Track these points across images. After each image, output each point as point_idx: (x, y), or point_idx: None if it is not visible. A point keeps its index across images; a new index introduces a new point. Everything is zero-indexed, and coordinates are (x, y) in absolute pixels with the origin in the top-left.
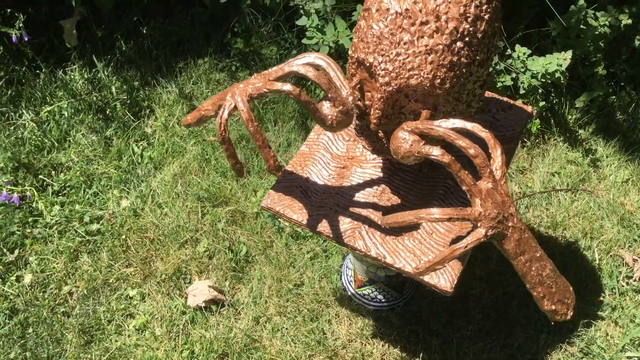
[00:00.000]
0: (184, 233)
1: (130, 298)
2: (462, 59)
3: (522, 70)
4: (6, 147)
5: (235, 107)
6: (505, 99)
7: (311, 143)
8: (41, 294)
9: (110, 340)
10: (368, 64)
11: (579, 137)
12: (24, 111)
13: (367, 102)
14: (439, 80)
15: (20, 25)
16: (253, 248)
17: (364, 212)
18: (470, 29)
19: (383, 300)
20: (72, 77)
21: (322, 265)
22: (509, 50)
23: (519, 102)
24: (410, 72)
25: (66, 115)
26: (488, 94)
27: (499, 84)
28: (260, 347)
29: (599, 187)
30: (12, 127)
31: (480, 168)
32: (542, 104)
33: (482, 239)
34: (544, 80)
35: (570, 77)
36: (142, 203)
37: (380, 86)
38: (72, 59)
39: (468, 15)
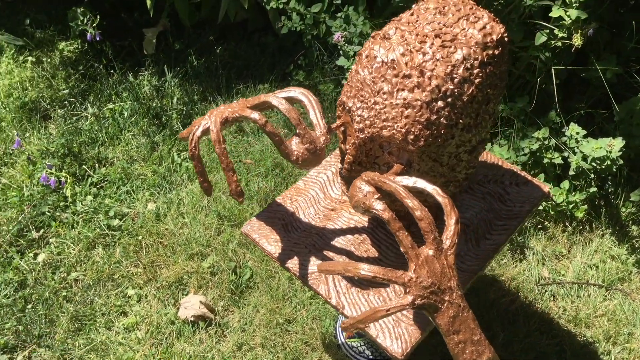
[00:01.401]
0: (195, 245)
1: (128, 297)
2: (442, 119)
3: (574, 151)
4: (64, 133)
5: (230, 123)
6: (523, 173)
7: (308, 180)
8: (50, 274)
9: (98, 332)
10: (347, 108)
11: (629, 233)
12: (89, 105)
13: (347, 147)
14: (412, 136)
15: (94, 25)
16: (257, 275)
17: (337, 259)
18: (455, 90)
19: (370, 357)
20: (140, 81)
21: (319, 306)
22: (565, 128)
23: (537, 180)
24: (384, 123)
25: (125, 115)
26: (506, 165)
27: (546, 160)
28: None
29: (639, 291)
30: (74, 117)
31: (424, 233)
32: (592, 189)
33: (407, 307)
34: (594, 164)
35: (632, 168)
36: (166, 209)
37: (354, 132)
38: (145, 65)
39: (455, 76)
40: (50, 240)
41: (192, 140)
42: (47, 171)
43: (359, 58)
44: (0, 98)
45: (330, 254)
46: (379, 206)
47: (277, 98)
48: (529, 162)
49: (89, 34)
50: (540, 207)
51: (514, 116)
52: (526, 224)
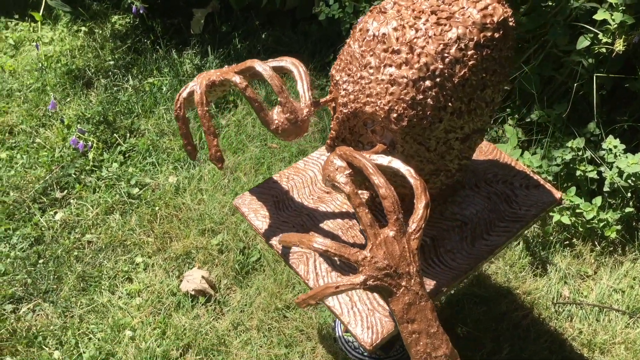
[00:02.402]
0: (208, 222)
1: (136, 264)
2: (429, 100)
3: (610, 165)
4: (102, 102)
5: (215, 85)
6: (535, 176)
7: (310, 161)
8: (66, 234)
9: (102, 294)
10: (335, 81)
11: None
12: (130, 77)
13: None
14: (395, 115)
15: None
16: (264, 258)
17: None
18: (445, 70)
19: (365, 354)
20: (183, 59)
21: None
22: (604, 142)
23: (549, 185)
24: (368, 99)
25: (163, 90)
26: (519, 166)
27: (579, 173)
28: (225, 352)
29: None
30: (115, 88)
31: (387, 212)
32: (628, 209)
33: (358, 286)
34: (630, 182)
35: None
36: (187, 184)
37: (338, 106)
38: (191, 44)
39: (446, 55)
40: (72, 201)
41: (177, 101)
42: (77, 135)
43: (353, 31)
44: (48, 63)
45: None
46: (342, 179)
47: (262, 64)
48: (562, 174)
49: (134, 7)
50: (569, 222)
51: (550, 123)
52: (551, 238)
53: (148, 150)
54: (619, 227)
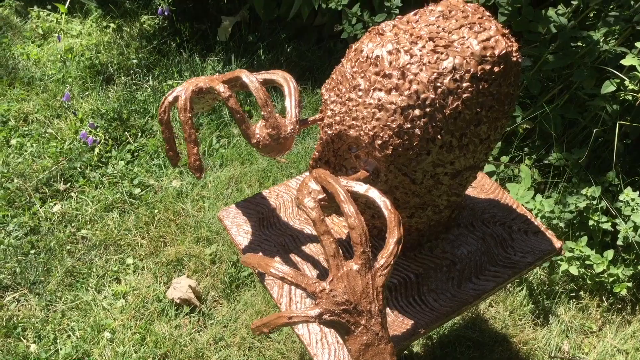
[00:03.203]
0: (205, 230)
1: (126, 265)
2: (417, 130)
3: (625, 218)
4: (119, 99)
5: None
6: (537, 222)
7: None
8: (62, 226)
9: (87, 292)
10: (324, 100)
11: None
12: (150, 77)
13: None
14: (380, 142)
15: (169, 1)
16: (256, 274)
17: (300, 265)
18: (437, 101)
19: None
20: (206, 65)
21: None
22: (622, 193)
23: (550, 232)
24: (354, 122)
25: None
26: (521, 209)
27: (592, 223)
28: None
29: None
30: (134, 87)
31: (354, 244)
32: None
33: (312, 319)
34: None
35: None
36: (190, 189)
37: (323, 126)
38: (215, 51)
39: (439, 85)
40: (73, 194)
41: (162, 105)
42: (87, 129)
43: (349, 50)
44: (72, 55)
45: (296, 259)
46: (309, 204)
47: (250, 75)
48: (574, 222)
49: (160, 8)
50: (577, 273)
51: (567, 168)
52: (557, 288)
53: (156, 152)
54: (630, 284)
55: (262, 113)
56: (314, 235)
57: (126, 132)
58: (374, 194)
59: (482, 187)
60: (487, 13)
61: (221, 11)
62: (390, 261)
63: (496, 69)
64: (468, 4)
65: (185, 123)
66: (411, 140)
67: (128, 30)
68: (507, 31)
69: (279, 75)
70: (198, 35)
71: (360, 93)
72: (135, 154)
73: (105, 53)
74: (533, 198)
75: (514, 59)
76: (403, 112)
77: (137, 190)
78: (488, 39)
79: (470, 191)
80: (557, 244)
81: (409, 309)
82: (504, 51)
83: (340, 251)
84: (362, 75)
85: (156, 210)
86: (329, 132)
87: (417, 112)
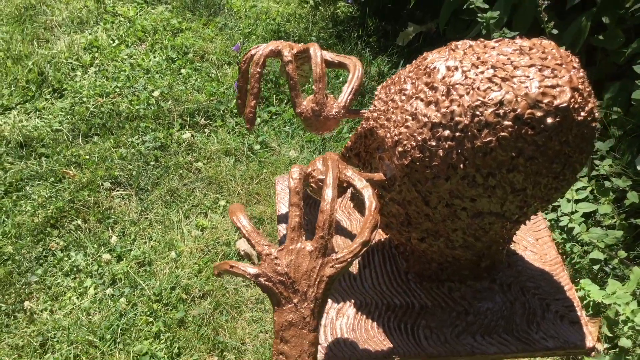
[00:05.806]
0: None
1: (218, 205)
2: (440, 150)
3: None
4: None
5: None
6: (580, 312)
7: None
8: (185, 153)
9: (178, 213)
10: (375, 95)
11: None
12: None
13: None
14: (400, 149)
15: None
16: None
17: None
18: (469, 129)
19: None
20: (373, 62)
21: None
22: None
23: (589, 328)
24: (385, 122)
25: (338, 80)
26: (572, 294)
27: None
28: (233, 315)
29: None
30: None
31: (317, 227)
32: None
33: (248, 276)
34: None
35: None
36: (302, 163)
37: (363, 119)
38: (388, 51)
39: (478, 114)
40: (206, 131)
41: (244, 56)
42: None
43: (420, 56)
44: (265, 15)
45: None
46: (294, 174)
47: (317, 49)
48: None
49: None
50: None
51: None
52: None
53: (291, 120)
54: None
55: (313, 87)
56: (347, 230)
57: (274, 96)
58: (367, 193)
59: (543, 255)
60: (576, 64)
61: (413, 18)
62: (348, 258)
63: (549, 120)
64: (560, 49)
65: (253, 76)
66: (432, 159)
67: (322, 10)
68: (584, 87)
69: (351, 61)
70: (380, 33)
71: (403, 97)
72: (274, 116)
73: (292, 23)
74: (627, 304)
75: (579, 117)
76: (433, 128)
77: (257, 147)
78: (553, 87)
79: (528, 255)
80: (591, 342)
81: (395, 334)
82: (564, 104)
83: (302, 228)
84: (413, 81)
85: (265, 170)
86: (365, 125)
87: (446, 132)
